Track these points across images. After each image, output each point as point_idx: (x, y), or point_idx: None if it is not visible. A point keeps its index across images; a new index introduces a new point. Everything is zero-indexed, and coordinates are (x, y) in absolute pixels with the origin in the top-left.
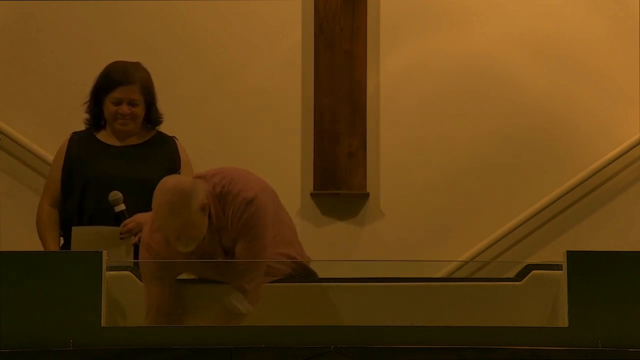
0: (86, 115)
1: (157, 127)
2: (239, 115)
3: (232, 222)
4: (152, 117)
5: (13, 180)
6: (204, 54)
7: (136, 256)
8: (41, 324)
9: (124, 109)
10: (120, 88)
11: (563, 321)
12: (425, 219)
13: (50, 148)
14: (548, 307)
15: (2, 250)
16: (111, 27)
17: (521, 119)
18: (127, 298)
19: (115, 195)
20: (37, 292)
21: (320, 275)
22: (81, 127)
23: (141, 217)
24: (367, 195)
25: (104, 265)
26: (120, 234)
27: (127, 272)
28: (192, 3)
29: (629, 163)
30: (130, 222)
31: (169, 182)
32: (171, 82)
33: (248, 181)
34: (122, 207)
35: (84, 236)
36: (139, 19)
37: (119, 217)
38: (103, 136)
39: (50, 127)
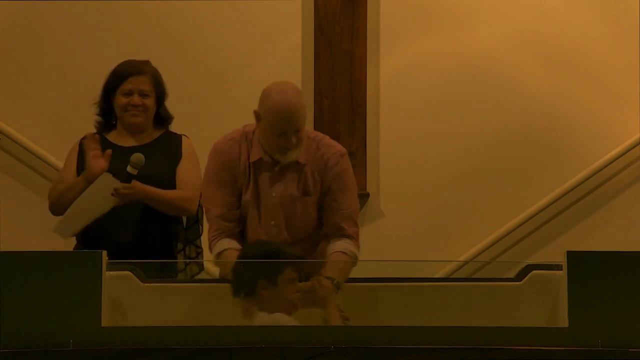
0: (97, 118)
1: (167, 127)
2: (239, 116)
3: (326, 168)
4: (162, 114)
5: (13, 180)
6: (204, 54)
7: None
8: (41, 324)
9: (135, 99)
10: (131, 78)
11: (563, 321)
12: (425, 219)
13: (50, 148)
14: (548, 307)
15: (2, 250)
16: (111, 28)
17: (521, 119)
18: (127, 298)
19: (138, 157)
20: (37, 292)
21: None
22: (80, 126)
23: (138, 188)
24: (367, 195)
25: (104, 265)
26: (115, 189)
27: (127, 272)
28: (192, 3)
29: (629, 163)
30: (128, 187)
31: (282, 84)
32: (171, 83)
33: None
34: (134, 171)
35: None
36: (138, 19)
37: (125, 177)
38: (113, 137)
39: (50, 127)
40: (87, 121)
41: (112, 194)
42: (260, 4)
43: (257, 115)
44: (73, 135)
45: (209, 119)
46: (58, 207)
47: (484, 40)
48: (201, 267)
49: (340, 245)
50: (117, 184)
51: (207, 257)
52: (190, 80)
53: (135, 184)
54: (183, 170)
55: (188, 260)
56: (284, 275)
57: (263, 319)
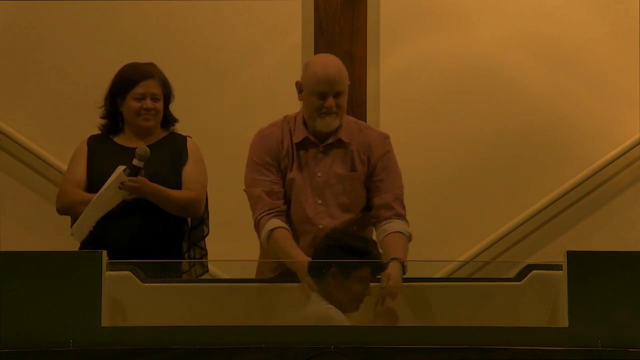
0: (102, 121)
1: (171, 129)
2: (239, 116)
3: (372, 147)
4: (168, 116)
5: (13, 180)
6: (204, 54)
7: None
8: (41, 324)
9: (148, 103)
10: (143, 83)
11: (563, 321)
12: (425, 219)
13: (50, 148)
14: (548, 307)
15: (2, 250)
16: (111, 28)
17: (521, 119)
18: (127, 298)
19: (143, 150)
20: (37, 292)
21: None
22: (81, 126)
23: (145, 183)
24: None
25: (104, 265)
26: (122, 183)
27: (127, 272)
28: (192, 3)
29: (629, 163)
30: (135, 181)
31: (325, 54)
32: (170, 83)
33: None
34: (140, 163)
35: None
36: (138, 19)
37: (132, 170)
38: (120, 139)
39: (50, 127)
40: (88, 121)
41: (120, 187)
42: (260, 4)
43: (299, 85)
44: (73, 135)
45: (209, 119)
46: (67, 213)
47: (484, 40)
48: (205, 269)
49: (396, 225)
50: (118, 171)
51: (212, 258)
52: (190, 80)
53: (143, 178)
54: (189, 172)
55: (189, 261)
56: (358, 273)
57: (316, 306)
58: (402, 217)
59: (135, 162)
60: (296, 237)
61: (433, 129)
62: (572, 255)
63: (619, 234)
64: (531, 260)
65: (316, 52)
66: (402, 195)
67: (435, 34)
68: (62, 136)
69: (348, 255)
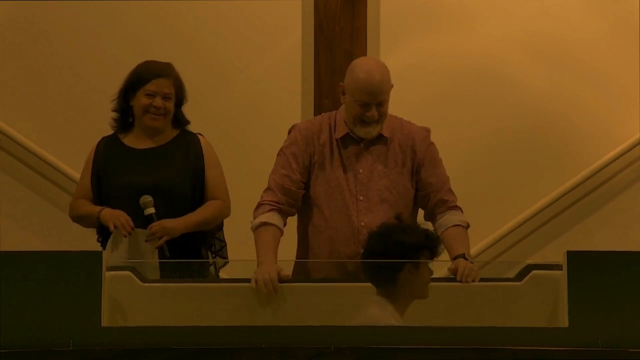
0: (113, 114)
1: (182, 127)
2: (239, 116)
3: (416, 141)
4: (179, 117)
5: (13, 180)
6: (204, 54)
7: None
8: (41, 324)
9: (158, 101)
10: (156, 80)
11: (563, 321)
12: None
13: (50, 148)
14: (548, 307)
15: (2, 250)
16: (112, 27)
17: (521, 119)
18: (127, 298)
19: (145, 199)
20: (37, 292)
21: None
22: (81, 125)
23: (167, 223)
24: None
25: (104, 265)
26: (147, 237)
27: (127, 272)
28: (193, 3)
29: (629, 163)
30: (156, 225)
31: (369, 57)
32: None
33: None
34: (151, 210)
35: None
36: (139, 19)
37: (148, 220)
38: (130, 139)
39: (51, 128)
40: (88, 121)
41: (146, 240)
42: (260, 4)
43: (342, 88)
44: (74, 135)
45: (209, 118)
46: (80, 223)
47: (484, 40)
48: (226, 260)
49: (453, 218)
50: (135, 232)
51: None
52: (190, 80)
53: (162, 220)
54: (211, 178)
55: (191, 261)
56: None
57: (381, 311)
58: (456, 207)
59: (146, 212)
60: (336, 233)
61: (433, 128)
62: (572, 255)
63: (619, 233)
64: (531, 260)
65: (316, 52)
66: (449, 183)
67: (435, 34)
68: (63, 136)
69: (403, 249)
